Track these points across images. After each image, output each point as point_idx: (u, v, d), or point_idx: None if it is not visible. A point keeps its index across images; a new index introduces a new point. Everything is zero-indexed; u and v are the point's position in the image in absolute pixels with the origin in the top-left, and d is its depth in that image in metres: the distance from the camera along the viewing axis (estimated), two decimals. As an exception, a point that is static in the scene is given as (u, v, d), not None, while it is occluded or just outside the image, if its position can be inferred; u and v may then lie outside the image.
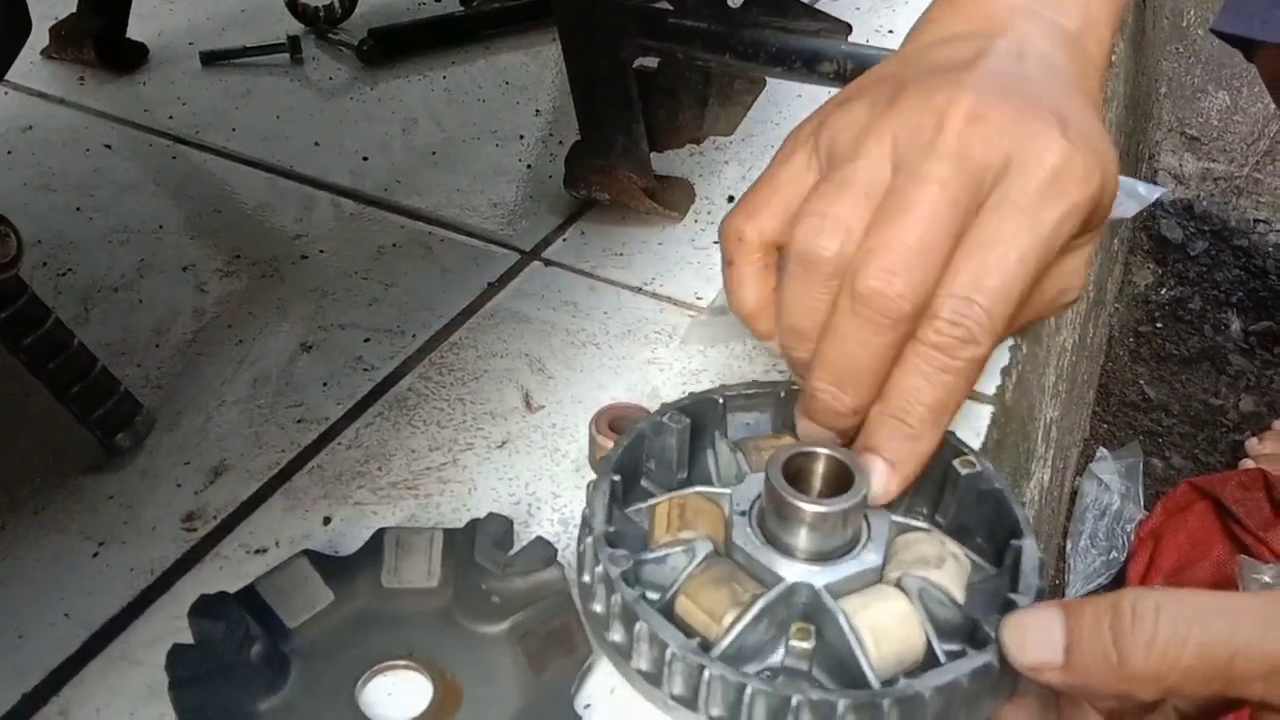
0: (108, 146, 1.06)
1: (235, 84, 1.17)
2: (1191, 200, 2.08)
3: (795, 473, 0.60)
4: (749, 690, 0.54)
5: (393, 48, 1.22)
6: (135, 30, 1.19)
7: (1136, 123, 1.74)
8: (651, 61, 0.94)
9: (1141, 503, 1.63)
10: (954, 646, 0.58)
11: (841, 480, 0.60)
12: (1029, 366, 0.88)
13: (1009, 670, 0.56)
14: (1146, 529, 1.57)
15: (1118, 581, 1.54)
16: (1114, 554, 1.57)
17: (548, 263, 0.93)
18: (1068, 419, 1.36)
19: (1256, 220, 2.06)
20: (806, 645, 0.56)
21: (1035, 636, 0.50)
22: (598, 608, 0.59)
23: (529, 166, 1.06)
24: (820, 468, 0.62)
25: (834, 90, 0.67)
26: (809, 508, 0.58)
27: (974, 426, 0.78)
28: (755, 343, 0.82)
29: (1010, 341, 0.85)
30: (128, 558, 0.68)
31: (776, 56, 0.88)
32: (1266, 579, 1.33)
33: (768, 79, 0.98)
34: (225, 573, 0.67)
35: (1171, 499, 1.60)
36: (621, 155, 0.93)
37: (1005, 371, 0.83)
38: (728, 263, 0.62)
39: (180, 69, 1.19)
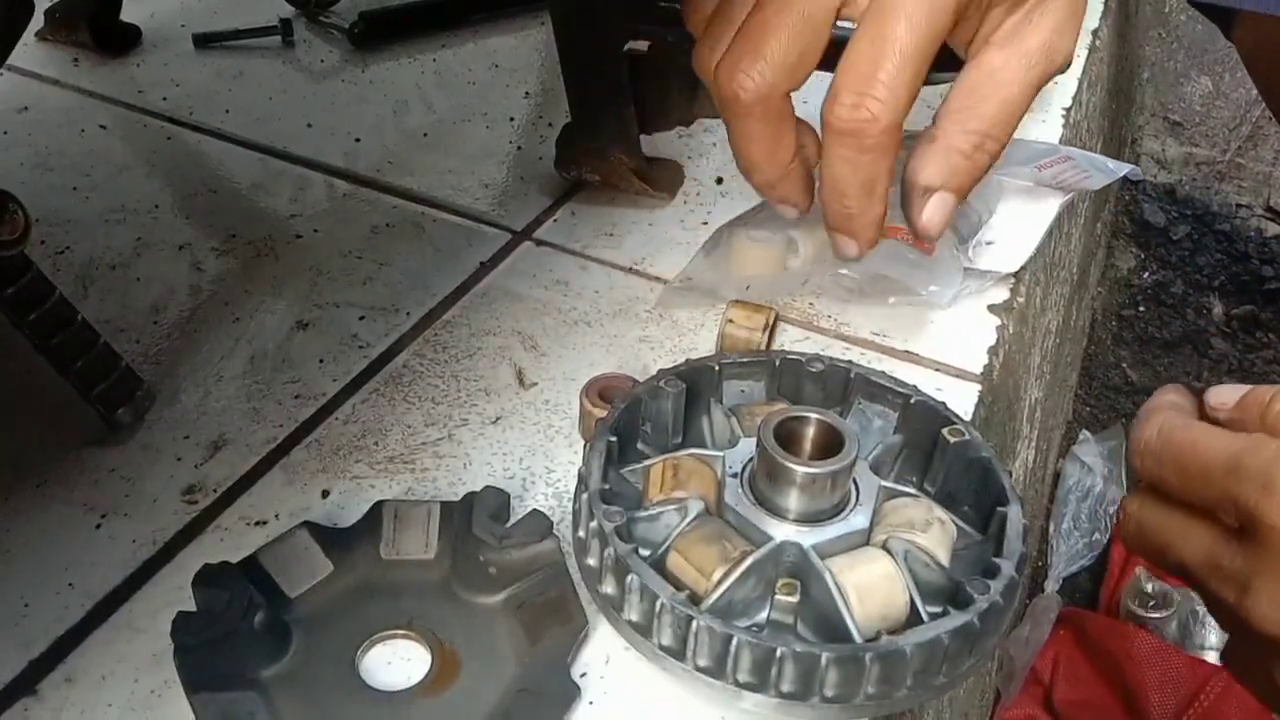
0: (103, 127, 1.07)
1: (228, 66, 1.18)
2: (1174, 185, 2.09)
3: (786, 436, 0.62)
4: (735, 641, 0.55)
5: (383, 31, 1.23)
6: (128, 12, 1.20)
7: (1119, 107, 1.76)
8: (642, 44, 0.95)
9: (1124, 485, 1.64)
10: (937, 608, 0.60)
11: (831, 444, 0.62)
12: (1015, 347, 0.89)
13: (989, 631, 0.58)
14: (1129, 511, 1.58)
15: (1101, 564, 1.55)
16: (1096, 535, 1.57)
17: (539, 243, 0.94)
18: (1051, 401, 1.38)
19: (1238, 205, 2.07)
20: (792, 599, 0.58)
21: (1227, 393, 0.63)
22: (591, 561, 0.61)
23: (519, 148, 1.07)
24: (811, 431, 0.64)
25: (823, 74, 0.69)
26: (799, 469, 0.60)
27: (961, 405, 0.79)
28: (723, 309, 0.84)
29: (997, 321, 0.87)
30: (130, 529, 0.69)
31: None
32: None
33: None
34: (226, 544, 0.68)
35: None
36: (611, 137, 0.94)
37: (992, 351, 0.85)
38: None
39: (173, 51, 1.19)
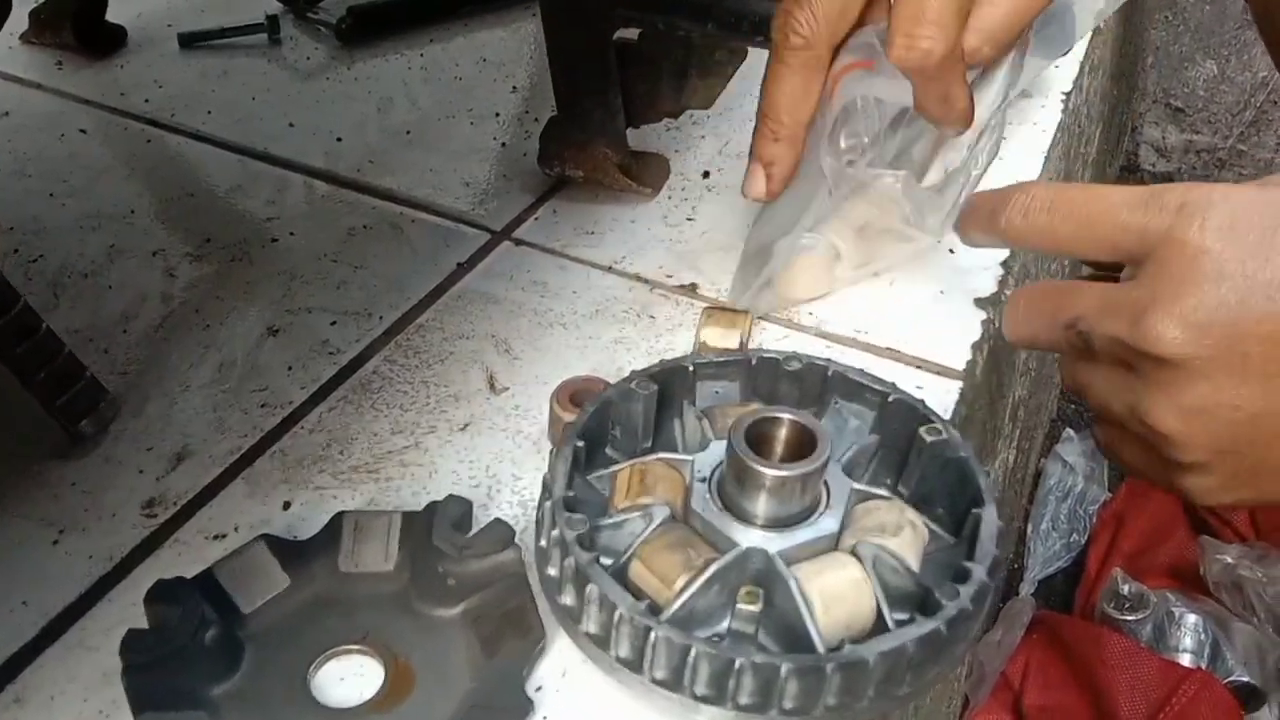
0: (83, 131, 1.06)
1: (212, 66, 1.17)
2: (1173, 173, 2.06)
3: (758, 438, 0.60)
4: (693, 652, 0.54)
5: (371, 26, 1.22)
6: (114, 12, 1.19)
7: (1120, 93, 1.73)
8: (631, 32, 0.93)
9: (1106, 484, 1.61)
10: (904, 615, 0.58)
11: (804, 445, 0.60)
12: (999, 343, 0.87)
13: (957, 638, 0.56)
14: (1109, 511, 1.55)
15: (1078, 565, 1.52)
16: (1074, 536, 1.54)
17: (518, 242, 0.93)
18: (1035, 399, 1.36)
19: (1239, 193, 2.05)
20: (753, 608, 0.56)
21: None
22: (552, 571, 0.59)
23: (503, 144, 1.05)
24: (783, 433, 0.62)
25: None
26: (767, 472, 0.58)
27: (941, 402, 0.78)
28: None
29: (983, 315, 0.85)
30: (87, 545, 0.68)
31: (759, 26, 0.87)
32: (1229, 559, 1.32)
33: (749, 49, 0.97)
34: (184, 559, 0.67)
35: (1136, 480, 1.58)
36: (598, 130, 0.92)
37: (976, 347, 0.82)
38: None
39: (158, 51, 1.19)
